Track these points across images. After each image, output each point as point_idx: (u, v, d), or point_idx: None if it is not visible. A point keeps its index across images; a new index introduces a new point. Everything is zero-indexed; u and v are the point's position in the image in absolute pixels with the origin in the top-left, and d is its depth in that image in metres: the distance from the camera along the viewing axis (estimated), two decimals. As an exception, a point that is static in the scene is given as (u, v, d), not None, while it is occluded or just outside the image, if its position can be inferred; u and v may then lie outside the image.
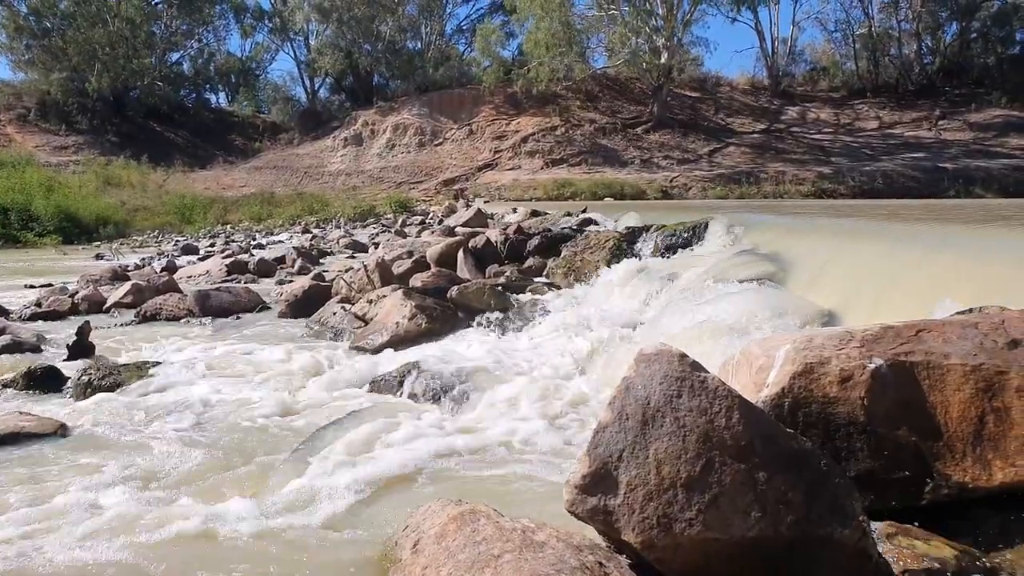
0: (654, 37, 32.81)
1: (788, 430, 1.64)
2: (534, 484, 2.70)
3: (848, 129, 34.84)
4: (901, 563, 1.67)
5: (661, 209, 11.41)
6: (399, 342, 5.02)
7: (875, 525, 1.69)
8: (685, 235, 6.39)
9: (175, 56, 40.62)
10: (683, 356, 1.66)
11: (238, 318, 6.58)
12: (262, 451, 3.11)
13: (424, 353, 4.57)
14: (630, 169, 30.84)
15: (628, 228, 7.36)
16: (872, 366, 1.98)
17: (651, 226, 6.97)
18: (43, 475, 2.83)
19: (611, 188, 27.24)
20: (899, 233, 5.75)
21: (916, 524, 1.83)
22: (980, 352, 1.98)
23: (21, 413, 3.45)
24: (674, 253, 6.20)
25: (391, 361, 4.47)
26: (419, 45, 41.04)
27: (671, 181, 29.09)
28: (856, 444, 1.94)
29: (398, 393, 3.88)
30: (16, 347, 4.93)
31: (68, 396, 4.02)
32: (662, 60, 32.94)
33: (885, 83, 37.71)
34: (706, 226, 6.34)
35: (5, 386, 4.10)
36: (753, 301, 3.82)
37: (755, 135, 34.41)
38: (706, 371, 1.65)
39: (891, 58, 38.40)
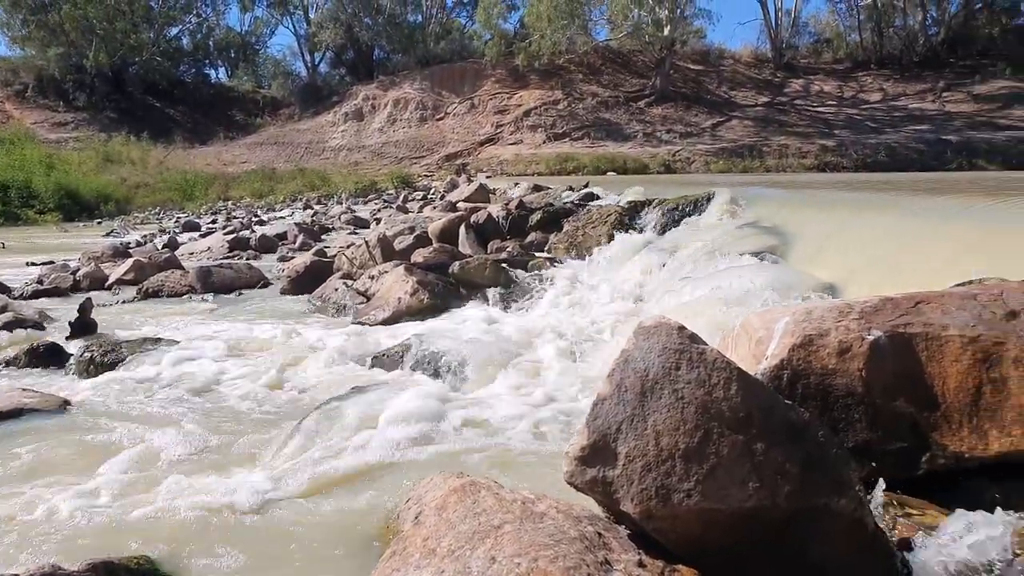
0: (657, 9, 32.38)
1: (787, 402, 1.64)
2: (534, 457, 2.73)
3: (852, 101, 34.48)
4: (897, 532, 1.69)
5: (664, 183, 11.36)
6: (401, 317, 5.04)
7: (872, 495, 1.70)
8: (687, 209, 6.36)
9: (174, 31, 40.13)
10: (681, 328, 1.66)
11: (240, 294, 6.59)
12: (264, 426, 3.13)
13: (426, 328, 4.58)
14: (633, 143, 30.62)
15: (630, 202, 7.34)
16: (871, 338, 1.98)
17: (653, 200, 6.94)
18: (45, 450, 2.86)
19: (614, 162, 27.08)
20: (902, 205, 5.72)
21: (912, 495, 1.85)
22: (978, 323, 1.98)
23: (24, 390, 3.47)
24: (676, 227, 6.18)
25: (393, 336, 4.49)
26: (420, 18, 40.63)
27: (674, 155, 28.87)
28: (854, 415, 1.95)
29: (400, 368, 3.89)
30: (18, 324, 4.92)
31: (71, 373, 4.05)
32: (665, 32, 32.55)
33: (889, 55, 37.11)
34: (708, 200, 6.31)
35: (8, 363, 4.12)
36: (754, 275, 3.82)
37: (758, 108, 34.08)
38: (705, 343, 1.65)
39: (896, 29, 37.76)
